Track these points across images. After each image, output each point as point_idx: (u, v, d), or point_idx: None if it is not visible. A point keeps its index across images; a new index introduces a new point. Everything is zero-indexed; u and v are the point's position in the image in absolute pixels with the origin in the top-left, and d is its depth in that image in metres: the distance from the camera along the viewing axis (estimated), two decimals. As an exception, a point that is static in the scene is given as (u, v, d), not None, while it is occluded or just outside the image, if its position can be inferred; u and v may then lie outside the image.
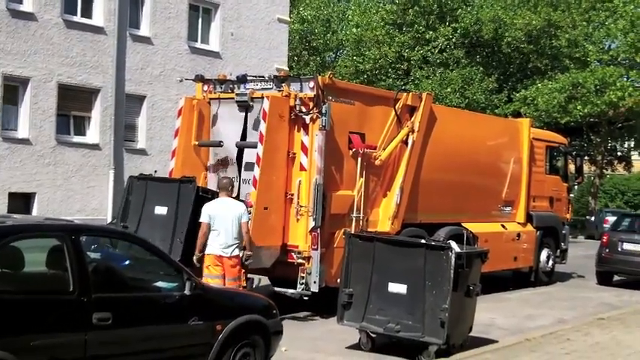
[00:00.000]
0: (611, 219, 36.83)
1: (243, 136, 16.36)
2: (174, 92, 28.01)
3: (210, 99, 17.12)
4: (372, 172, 16.84)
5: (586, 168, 46.15)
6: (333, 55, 57.17)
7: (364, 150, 16.35)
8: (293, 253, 15.45)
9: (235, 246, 13.87)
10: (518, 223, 22.05)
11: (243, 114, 16.33)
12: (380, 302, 12.79)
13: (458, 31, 46.37)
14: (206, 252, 13.88)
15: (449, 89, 43.92)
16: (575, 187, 39.91)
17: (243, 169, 16.22)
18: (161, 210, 15.23)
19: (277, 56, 33.69)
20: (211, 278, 13.60)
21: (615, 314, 17.93)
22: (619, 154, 57.26)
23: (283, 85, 15.94)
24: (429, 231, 17.84)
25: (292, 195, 15.56)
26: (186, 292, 9.19)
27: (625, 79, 43.84)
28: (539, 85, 44.02)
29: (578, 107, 42.66)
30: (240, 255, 14.01)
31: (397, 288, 12.63)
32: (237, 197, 15.23)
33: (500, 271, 20.95)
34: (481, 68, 46.15)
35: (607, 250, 23.98)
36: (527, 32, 45.14)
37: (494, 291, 20.20)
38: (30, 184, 25.39)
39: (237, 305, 10.23)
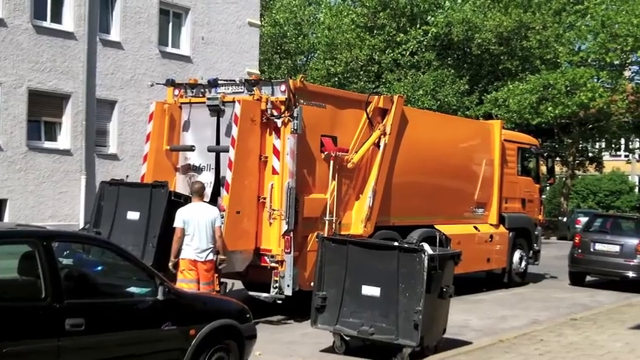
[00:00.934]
0: (583, 220, 36.97)
1: (217, 141, 16.32)
2: (145, 97, 27.94)
3: (182, 103, 17.07)
4: (345, 175, 16.86)
5: (558, 169, 46.44)
6: (305, 59, 57.18)
7: (336, 153, 16.36)
8: (266, 257, 15.45)
9: (209, 250, 13.95)
10: (491, 224, 22.12)
11: (215, 118, 16.29)
12: (354, 305, 12.79)
13: (429, 34, 46.47)
14: (180, 257, 13.91)
15: (420, 91, 44.00)
16: (547, 188, 40.25)
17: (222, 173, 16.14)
18: (133, 215, 15.18)
19: (248, 60, 33.65)
20: (185, 283, 13.64)
21: (588, 314, 18.03)
22: (590, 154, 57.59)
23: (254, 88, 15.91)
24: (402, 233, 17.84)
25: (265, 199, 15.55)
26: (159, 297, 9.16)
27: (595, 80, 44.10)
28: (511, 86, 44.17)
29: (549, 108, 42.84)
30: (214, 259, 14.04)
31: (371, 291, 12.64)
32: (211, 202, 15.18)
33: (473, 272, 21.01)
34: (452, 70, 46.25)
35: (579, 251, 24.12)
36: (497, 34, 45.28)
37: (468, 292, 20.28)
38: (1, 190, 25.21)
39: (210, 310, 10.19)
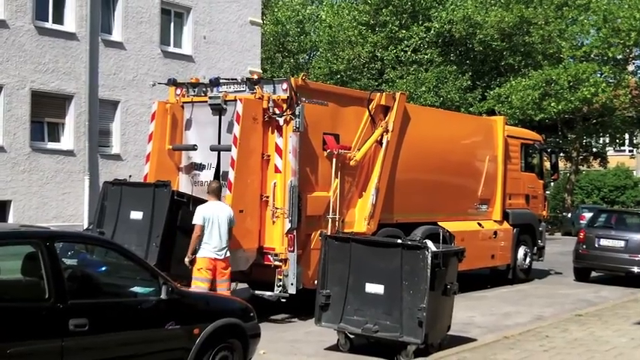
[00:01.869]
0: (588, 215, 36.96)
1: (219, 140, 16.31)
2: (147, 97, 27.93)
3: (184, 103, 17.07)
4: (347, 173, 16.85)
5: (561, 165, 46.31)
6: (307, 57, 57.16)
7: (339, 151, 16.35)
8: (270, 256, 15.44)
9: (227, 248, 14.01)
10: (495, 221, 22.09)
11: (217, 117, 16.29)
12: (357, 303, 12.78)
13: (431, 31, 46.43)
14: (199, 255, 13.91)
15: (423, 88, 43.98)
16: (551, 184, 40.16)
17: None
18: (136, 215, 15.16)
19: (250, 59, 33.65)
20: (201, 281, 13.70)
21: (593, 310, 18.00)
22: (594, 150, 57.44)
23: (256, 87, 15.90)
24: (405, 231, 17.85)
25: (267, 197, 15.55)
26: (163, 296, 9.17)
27: (598, 75, 44.03)
28: (513, 82, 44.10)
29: (552, 104, 42.78)
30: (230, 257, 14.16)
31: (374, 288, 12.63)
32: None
33: (477, 269, 20.99)
34: (454, 67, 46.21)
35: (584, 247, 24.05)
36: (499, 30, 45.22)
37: (473, 289, 20.28)
38: (5, 191, 25.24)
39: (214, 309, 10.20)
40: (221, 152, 16.11)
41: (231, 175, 15.07)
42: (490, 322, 16.62)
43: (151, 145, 16.86)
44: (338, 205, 16.33)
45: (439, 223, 19.01)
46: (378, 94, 17.94)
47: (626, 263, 23.27)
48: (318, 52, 53.63)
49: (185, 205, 14.74)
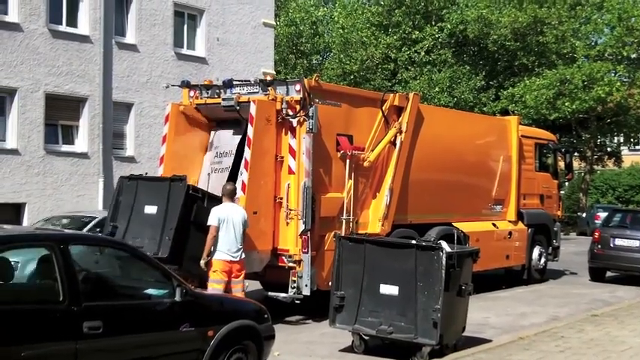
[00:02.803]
0: (603, 215, 36.80)
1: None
2: (161, 99, 28.00)
3: (197, 104, 17.08)
4: (361, 174, 16.83)
5: (576, 164, 46.18)
6: (321, 58, 57.17)
7: (352, 152, 16.33)
8: (284, 257, 15.44)
9: (242, 250, 14.04)
10: (509, 221, 22.03)
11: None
12: (372, 304, 12.76)
13: (444, 31, 46.40)
14: (214, 257, 13.92)
15: (437, 89, 43.96)
16: (566, 183, 40.05)
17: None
18: (151, 209, 15.08)
19: (264, 60, 33.67)
20: (217, 283, 13.73)
21: (608, 310, 17.93)
22: (609, 149, 57.26)
23: (269, 88, 15.89)
24: (419, 231, 17.82)
25: (281, 199, 15.54)
26: (177, 298, 9.17)
27: (612, 75, 43.90)
28: (527, 82, 44.03)
29: (567, 103, 42.69)
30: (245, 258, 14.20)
31: (389, 289, 12.60)
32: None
33: (492, 269, 20.94)
34: (468, 67, 46.16)
35: (599, 247, 23.96)
36: (513, 29, 45.14)
37: (487, 290, 20.23)
38: (20, 194, 25.31)
39: (228, 310, 10.20)
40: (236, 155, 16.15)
41: (245, 177, 15.06)
42: (505, 322, 16.57)
43: (164, 147, 16.86)
44: (352, 206, 16.32)
45: (453, 224, 18.97)
46: (392, 94, 17.91)
47: (642, 263, 23.19)
48: (332, 54, 53.64)
49: (200, 200, 14.74)
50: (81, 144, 27.18)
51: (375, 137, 17.15)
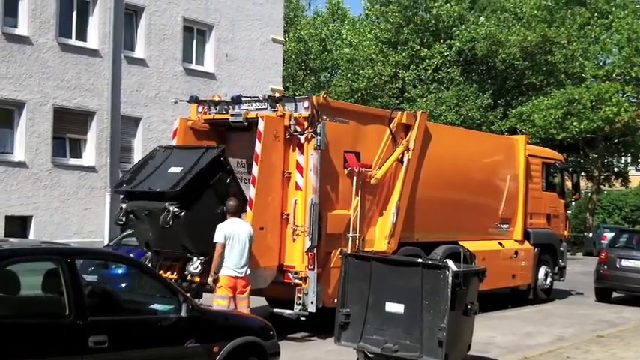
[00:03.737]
0: (609, 235, 36.75)
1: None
2: (169, 114, 28.08)
3: (205, 120, 17.10)
4: (368, 191, 16.81)
5: (583, 184, 46.13)
6: (329, 75, 57.29)
7: (359, 169, 16.31)
8: (289, 274, 15.40)
9: (247, 266, 14.04)
10: (516, 240, 21.99)
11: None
12: (377, 322, 12.71)
13: (453, 49, 46.48)
14: (221, 272, 13.91)
15: (444, 106, 43.99)
16: (573, 203, 39.96)
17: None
18: (175, 169, 14.92)
19: (272, 76, 33.76)
20: (222, 299, 13.71)
21: (614, 331, 17.89)
22: (616, 169, 57.24)
23: (278, 105, 15.88)
24: (426, 250, 17.76)
25: (288, 215, 15.52)
26: (183, 313, 9.17)
27: (620, 95, 43.90)
28: (535, 101, 44.05)
29: (575, 123, 42.68)
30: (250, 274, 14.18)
31: (395, 307, 12.55)
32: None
33: (498, 289, 20.89)
34: (475, 85, 46.21)
35: (605, 267, 23.91)
36: (522, 48, 45.18)
37: (493, 309, 20.18)
38: (27, 207, 25.37)
39: (234, 327, 10.20)
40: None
41: (252, 193, 15.05)
42: (511, 342, 16.52)
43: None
44: (358, 224, 16.29)
45: (460, 242, 18.95)
46: (400, 112, 17.91)
47: (648, 284, 23.14)
48: (340, 70, 53.71)
49: (225, 173, 14.85)
50: (89, 158, 27.26)
51: (382, 155, 17.14)
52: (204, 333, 9.43)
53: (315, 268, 15.20)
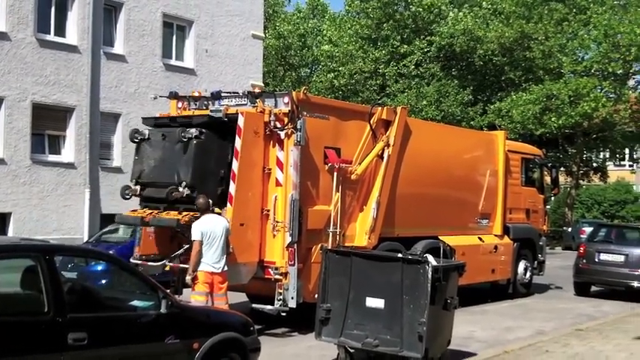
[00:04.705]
0: (588, 230, 36.94)
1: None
2: (149, 110, 27.86)
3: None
4: (349, 187, 16.82)
5: (562, 179, 46.34)
6: (309, 71, 57.24)
7: (340, 165, 16.32)
8: (270, 269, 15.37)
9: (225, 261, 13.99)
10: (495, 235, 22.06)
11: None
12: (358, 317, 12.72)
13: (433, 45, 46.51)
14: (199, 269, 13.92)
15: (425, 102, 44.03)
16: (552, 198, 40.13)
17: None
18: None
19: (252, 72, 33.72)
20: (199, 295, 13.70)
21: (593, 325, 17.97)
22: (594, 164, 57.51)
23: (258, 100, 15.86)
24: (406, 245, 17.80)
25: (268, 211, 15.50)
26: (163, 310, 9.16)
27: (598, 90, 44.06)
28: (514, 96, 44.15)
29: (553, 119, 42.78)
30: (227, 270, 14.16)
31: (375, 303, 12.57)
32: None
33: (478, 283, 20.95)
34: (456, 81, 46.28)
35: (584, 261, 24.02)
36: (500, 44, 45.28)
37: (473, 304, 20.23)
38: (5, 203, 25.25)
39: (214, 323, 10.18)
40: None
41: (232, 189, 15.03)
42: (491, 336, 16.58)
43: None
44: (339, 219, 16.29)
45: (440, 237, 19.00)
46: (380, 108, 17.93)
47: (626, 278, 23.26)
48: (320, 67, 53.68)
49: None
50: (68, 154, 27.15)
51: (362, 150, 17.16)
52: (184, 329, 9.41)
53: (296, 264, 15.18)
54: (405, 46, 46.74)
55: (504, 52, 46.20)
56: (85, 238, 25.13)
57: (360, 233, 17.11)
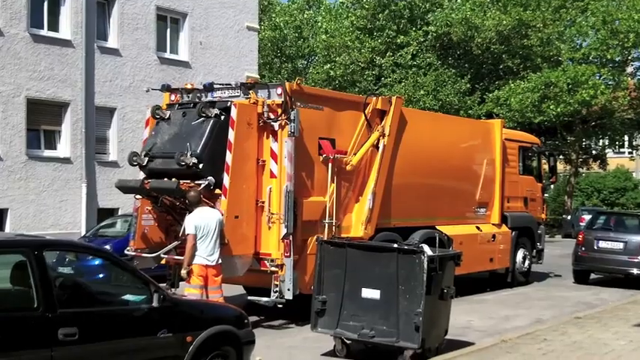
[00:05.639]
0: (587, 217, 36.88)
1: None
2: (144, 103, 27.74)
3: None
4: (344, 178, 16.75)
5: (561, 167, 46.26)
6: (305, 62, 57.12)
7: (335, 155, 16.24)
8: (266, 261, 15.31)
9: (219, 254, 13.93)
10: (493, 224, 21.99)
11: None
12: (354, 308, 12.69)
13: (429, 35, 46.36)
14: (194, 262, 13.86)
15: (422, 92, 43.90)
16: (550, 186, 40.04)
17: None
18: None
19: (248, 64, 33.62)
20: (193, 288, 13.63)
21: (592, 313, 17.89)
22: (593, 152, 57.38)
23: (251, 92, 15.76)
24: (403, 235, 17.74)
25: (263, 203, 15.42)
26: (155, 304, 9.09)
27: (597, 78, 43.95)
28: (512, 85, 44.04)
29: (552, 107, 42.66)
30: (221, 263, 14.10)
31: (371, 293, 12.53)
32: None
33: (476, 272, 20.90)
34: (453, 70, 46.14)
35: (583, 249, 23.97)
36: (497, 32, 45.14)
37: (471, 293, 20.20)
38: (2, 200, 25.19)
39: (207, 316, 10.10)
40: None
41: (226, 181, 14.94)
42: (489, 325, 16.53)
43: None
44: (334, 210, 16.22)
45: (437, 227, 18.93)
46: (374, 98, 17.85)
47: (625, 265, 23.20)
48: (316, 57, 53.55)
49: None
50: (63, 149, 27.08)
51: (357, 141, 17.08)
52: (176, 323, 9.34)
53: (292, 256, 15.11)
54: (402, 37, 46.58)
55: (502, 40, 46.01)
56: (83, 233, 25.05)
57: (356, 224, 17.04)
